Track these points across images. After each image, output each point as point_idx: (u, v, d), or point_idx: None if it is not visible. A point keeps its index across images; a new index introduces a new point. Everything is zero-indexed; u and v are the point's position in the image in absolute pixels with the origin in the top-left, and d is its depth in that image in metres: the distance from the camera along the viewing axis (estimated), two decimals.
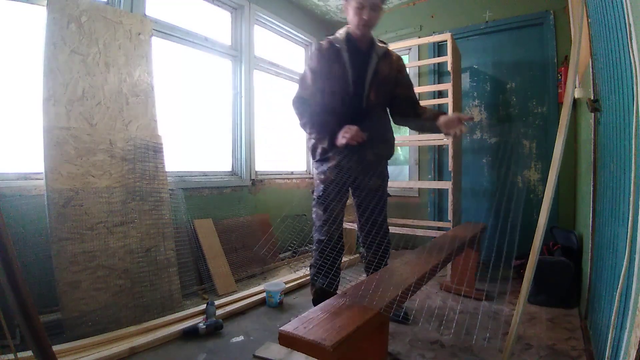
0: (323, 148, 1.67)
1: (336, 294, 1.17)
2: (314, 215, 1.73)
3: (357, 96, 1.64)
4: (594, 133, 1.60)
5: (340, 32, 1.66)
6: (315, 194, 1.73)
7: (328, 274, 1.62)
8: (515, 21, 2.94)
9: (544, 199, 1.17)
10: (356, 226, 1.87)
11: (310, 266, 1.77)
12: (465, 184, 3.08)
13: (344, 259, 1.85)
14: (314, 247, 1.74)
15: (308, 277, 2.56)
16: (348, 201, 1.80)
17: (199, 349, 1.61)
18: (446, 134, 1.59)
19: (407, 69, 3.54)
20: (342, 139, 1.49)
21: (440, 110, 1.75)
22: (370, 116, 1.67)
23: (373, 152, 1.70)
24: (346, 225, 2.67)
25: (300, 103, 1.67)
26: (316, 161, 1.75)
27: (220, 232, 2.61)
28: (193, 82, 2.77)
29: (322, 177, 1.69)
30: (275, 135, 3.55)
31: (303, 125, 1.69)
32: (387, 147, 1.78)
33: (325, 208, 1.66)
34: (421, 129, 1.88)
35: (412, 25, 3.50)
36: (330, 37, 1.68)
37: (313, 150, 1.73)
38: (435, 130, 1.61)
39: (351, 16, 1.58)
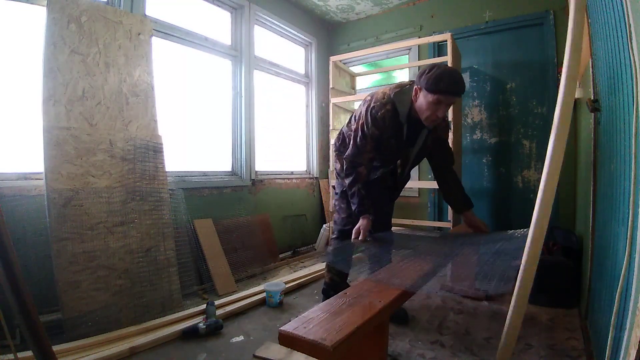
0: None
1: (348, 285, 1.22)
2: (337, 208, 1.90)
3: (403, 163, 1.81)
4: (594, 133, 1.60)
5: (404, 105, 1.56)
6: (337, 188, 1.90)
7: (345, 261, 1.77)
8: (515, 21, 2.94)
9: (536, 203, 1.15)
10: None
11: (327, 254, 1.88)
12: (465, 184, 3.07)
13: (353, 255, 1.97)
14: (335, 236, 1.90)
15: (308, 277, 2.58)
16: None
17: (199, 349, 1.61)
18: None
19: (407, 70, 3.57)
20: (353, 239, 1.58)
21: (465, 196, 1.79)
22: (403, 175, 1.87)
23: (392, 198, 1.98)
24: None
25: (354, 169, 1.65)
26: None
27: (220, 232, 2.61)
28: (193, 82, 2.77)
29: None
30: (275, 135, 3.54)
31: (349, 188, 1.67)
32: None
33: (348, 202, 1.75)
34: (443, 191, 1.88)
35: (412, 25, 3.50)
36: (392, 101, 1.57)
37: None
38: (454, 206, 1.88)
39: (423, 106, 1.48)
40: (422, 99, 1.47)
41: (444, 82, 1.39)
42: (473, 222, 1.75)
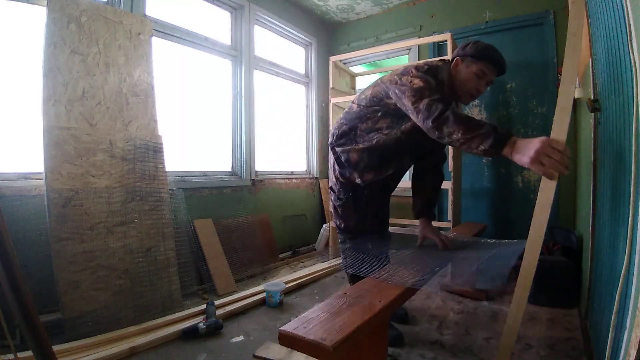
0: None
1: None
2: (339, 212, 1.69)
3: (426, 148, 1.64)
4: (594, 133, 1.60)
5: (442, 76, 1.44)
6: (343, 194, 1.69)
7: (359, 259, 1.53)
8: (515, 21, 2.94)
9: (536, 204, 1.10)
10: None
11: (345, 267, 1.70)
12: (465, 184, 3.08)
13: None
14: (348, 246, 1.70)
15: (308, 277, 2.58)
16: None
17: (199, 349, 1.61)
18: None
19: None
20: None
21: (431, 204, 1.69)
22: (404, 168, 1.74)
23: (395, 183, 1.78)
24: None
25: (446, 105, 1.26)
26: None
27: (220, 232, 2.61)
28: (193, 82, 2.77)
29: (364, 177, 1.61)
30: (275, 135, 3.54)
31: (449, 121, 1.21)
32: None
33: (356, 208, 1.66)
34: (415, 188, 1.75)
35: (412, 25, 3.50)
36: (431, 68, 1.44)
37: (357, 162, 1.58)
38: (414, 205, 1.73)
39: (465, 78, 1.42)
40: (465, 70, 1.43)
41: (491, 51, 1.40)
42: (427, 232, 1.62)
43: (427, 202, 1.69)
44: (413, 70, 1.40)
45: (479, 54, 1.40)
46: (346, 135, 1.60)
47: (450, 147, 2.60)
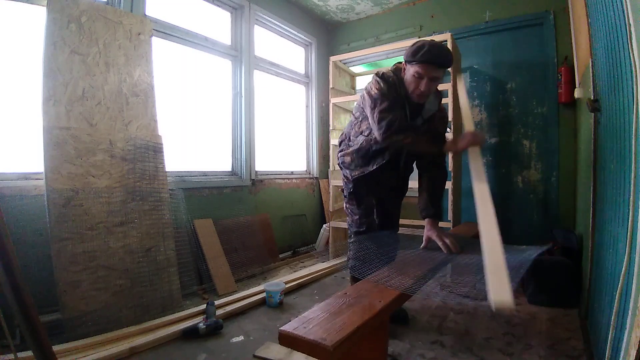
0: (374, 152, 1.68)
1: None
2: (348, 211, 1.84)
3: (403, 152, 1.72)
4: (594, 133, 1.60)
5: (398, 78, 1.58)
6: (345, 191, 1.83)
7: (370, 267, 1.49)
8: (515, 21, 2.94)
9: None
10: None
11: (349, 259, 1.79)
12: (465, 184, 3.07)
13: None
14: (352, 240, 1.80)
15: (308, 277, 2.57)
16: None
17: (199, 349, 1.61)
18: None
19: None
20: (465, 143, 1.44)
21: (435, 202, 1.70)
22: (405, 167, 1.81)
23: (401, 177, 1.86)
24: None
25: (397, 119, 1.48)
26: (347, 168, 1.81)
27: (220, 232, 2.61)
28: (193, 82, 2.77)
29: (353, 174, 1.77)
30: (275, 135, 3.54)
31: (397, 131, 1.47)
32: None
33: (359, 202, 1.76)
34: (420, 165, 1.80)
35: (412, 25, 3.50)
36: (393, 75, 1.58)
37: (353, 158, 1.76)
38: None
39: (408, 80, 1.52)
40: (407, 74, 1.53)
41: (422, 53, 1.43)
42: (432, 234, 1.60)
43: (429, 198, 1.68)
44: (374, 78, 1.59)
45: (410, 58, 1.48)
46: (343, 142, 1.86)
47: None
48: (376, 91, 1.54)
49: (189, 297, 2.22)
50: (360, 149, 1.72)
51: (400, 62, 1.63)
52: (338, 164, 1.89)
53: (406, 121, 1.55)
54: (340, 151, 1.87)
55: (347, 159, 1.78)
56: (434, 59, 1.44)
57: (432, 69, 1.46)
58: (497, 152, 3.09)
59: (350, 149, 1.77)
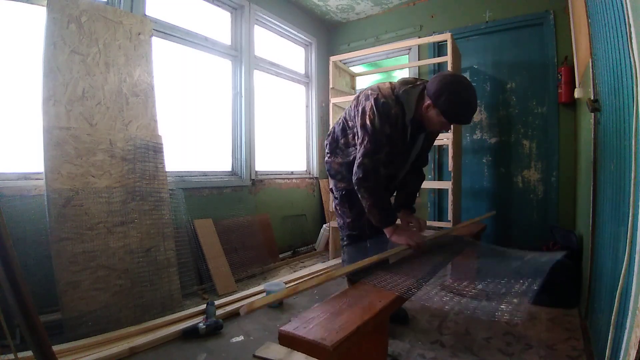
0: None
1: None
2: (339, 212, 1.80)
3: (405, 162, 1.70)
4: (594, 133, 1.60)
5: (409, 107, 1.48)
6: (336, 194, 1.78)
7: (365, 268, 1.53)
8: (515, 21, 2.94)
9: None
10: None
11: (343, 262, 1.82)
12: (465, 184, 3.08)
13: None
14: (345, 243, 1.80)
15: (308, 277, 2.57)
16: None
17: (199, 349, 1.61)
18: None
19: (407, 70, 3.57)
20: (409, 240, 1.51)
21: (412, 205, 1.82)
22: (399, 179, 1.80)
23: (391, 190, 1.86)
24: None
25: (375, 171, 1.50)
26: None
27: (220, 232, 2.61)
28: (193, 82, 2.77)
29: (339, 185, 1.74)
30: (275, 135, 3.54)
31: (368, 195, 1.52)
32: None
33: (351, 206, 1.72)
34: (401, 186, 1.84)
35: (412, 25, 3.50)
36: (401, 103, 1.48)
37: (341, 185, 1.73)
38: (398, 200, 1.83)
39: (434, 121, 1.45)
40: (435, 117, 1.43)
41: (461, 114, 1.40)
42: (409, 218, 1.75)
43: (408, 197, 1.81)
44: (372, 103, 1.47)
45: (449, 116, 1.40)
46: (331, 145, 1.77)
47: (449, 147, 2.61)
48: (369, 125, 1.47)
49: (189, 297, 2.22)
50: (350, 162, 1.62)
51: (409, 81, 1.52)
52: (326, 168, 1.82)
53: (387, 166, 1.54)
54: (328, 153, 1.78)
55: (335, 167, 1.71)
56: (468, 121, 1.46)
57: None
58: (497, 152, 3.09)
59: (338, 160, 1.70)
